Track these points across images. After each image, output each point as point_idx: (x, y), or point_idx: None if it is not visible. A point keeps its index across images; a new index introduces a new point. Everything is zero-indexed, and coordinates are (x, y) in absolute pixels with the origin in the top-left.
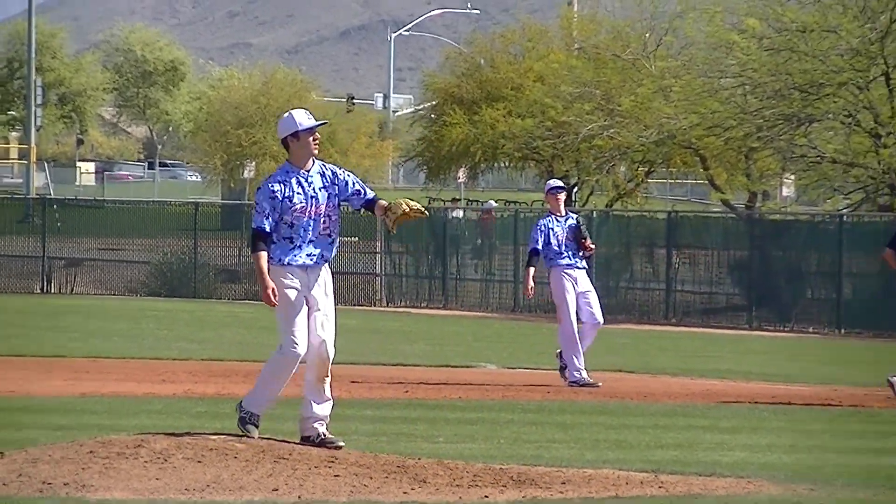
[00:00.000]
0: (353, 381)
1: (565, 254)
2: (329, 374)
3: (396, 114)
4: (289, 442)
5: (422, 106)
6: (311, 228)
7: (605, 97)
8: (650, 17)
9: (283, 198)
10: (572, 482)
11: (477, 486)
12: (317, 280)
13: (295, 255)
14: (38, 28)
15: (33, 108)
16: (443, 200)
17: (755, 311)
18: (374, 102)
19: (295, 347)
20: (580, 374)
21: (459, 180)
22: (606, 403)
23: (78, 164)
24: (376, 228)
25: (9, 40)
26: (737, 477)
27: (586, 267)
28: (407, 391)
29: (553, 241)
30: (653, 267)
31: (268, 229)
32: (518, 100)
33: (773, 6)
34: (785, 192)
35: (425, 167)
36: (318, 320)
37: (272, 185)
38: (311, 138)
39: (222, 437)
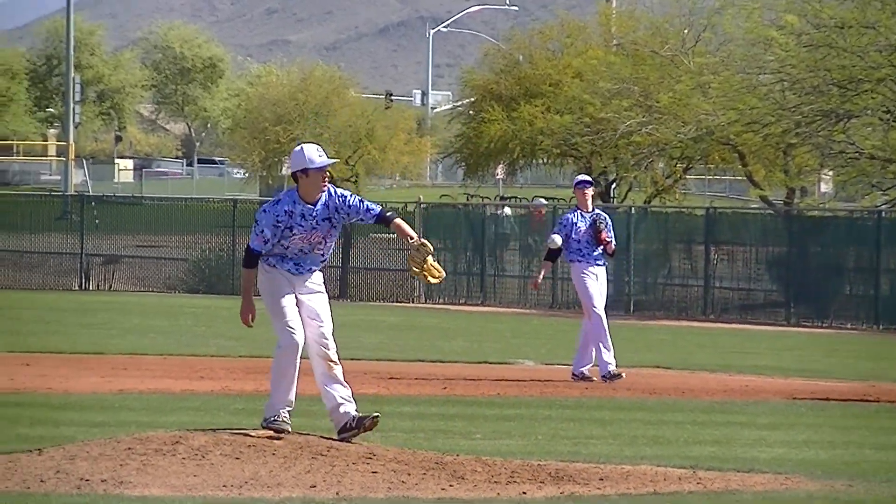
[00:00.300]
0: (392, 378)
1: (585, 250)
2: (335, 362)
3: (435, 110)
4: (327, 438)
5: (460, 102)
6: (305, 250)
7: (643, 93)
8: (688, 13)
9: (285, 227)
10: (610, 478)
11: (515, 482)
12: (305, 280)
13: (283, 263)
14: (76, 25)
15: (72, 105)
16: (481, 197)
17: (793, 307)
18: (412, 99)
19: (292, 336)
20: (610, 366)
21: (498, 177)
22: (644, 400)
23: (116, 161)
24: (414, 224)
25: (47, 37)
26: (775, 473)
27: (606, 264)
28: (445, 388)
29: (575, 236)
30: (691, 263)
31: (263, 252)
32: (556, 96)
33: (811, 2)
34: (823, 188)
35: (463, 164)
36: (309, 312)
37: (277, 214)
38: (320, 176)
39: (260, 433)
